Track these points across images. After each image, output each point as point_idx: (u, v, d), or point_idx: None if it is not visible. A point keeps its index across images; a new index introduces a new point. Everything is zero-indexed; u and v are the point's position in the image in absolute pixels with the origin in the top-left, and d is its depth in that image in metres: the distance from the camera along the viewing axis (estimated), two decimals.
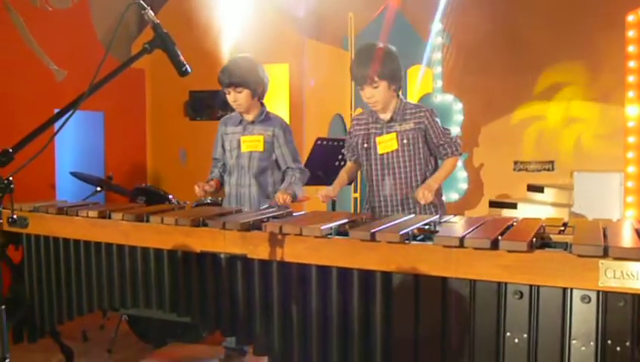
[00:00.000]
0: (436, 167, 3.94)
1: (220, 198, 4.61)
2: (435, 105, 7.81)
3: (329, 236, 2.63)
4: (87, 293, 3.38)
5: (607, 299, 2.16)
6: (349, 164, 4.13)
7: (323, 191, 3.89)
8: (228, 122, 4.39)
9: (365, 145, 3.90)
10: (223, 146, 4.40)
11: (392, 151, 3.80)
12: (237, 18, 7.38)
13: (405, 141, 3.78)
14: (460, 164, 7.80)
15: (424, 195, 3.63)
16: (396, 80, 3.80)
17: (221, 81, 4.18)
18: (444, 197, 4.02)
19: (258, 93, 4.23)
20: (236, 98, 4.17)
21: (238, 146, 4.27)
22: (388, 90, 3.75)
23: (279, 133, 4.25)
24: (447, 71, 8.29)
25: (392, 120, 3.82)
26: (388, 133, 3.82)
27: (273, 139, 4.25)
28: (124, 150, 7.70)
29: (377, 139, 3.84)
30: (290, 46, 7.51)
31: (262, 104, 4.32)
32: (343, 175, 4.10)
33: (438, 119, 3.85)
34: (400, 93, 3.89)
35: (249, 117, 4.28)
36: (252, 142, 4.24)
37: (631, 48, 7.42)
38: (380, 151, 3.83)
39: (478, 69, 8.76)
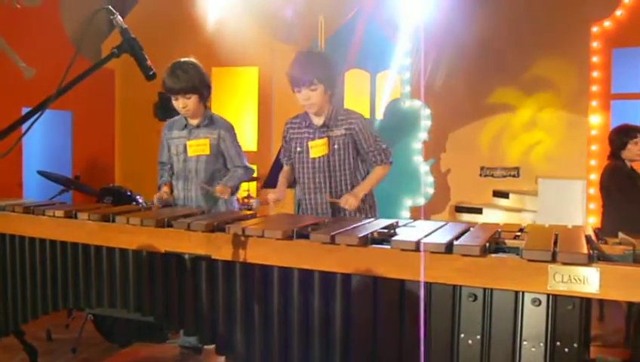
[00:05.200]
0: (367, 175, 4.01)
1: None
2: (403, 111, 7.90)
3: (290, 238, 2.69)
4: (52, 292, 3.40)
5: (556, 302, 2.24)
6: (285, 168, 4.18)
7: (272, 195, 3.94)
8: (173, 126, 4.41)
9: (298, 149, 3.98)
10: (169, 150, 4.42)
11: (323, 156, 3.88)
12: (207, 20, 7.42)
13: (336, 146, 3.86)
14: (426, 168, 7.88)
15: (347, 201, 3.72)
16: (332, 86, 3.87)
17: (169, 88, 4.13)
18: (376, 205, 4.08)
19: (205, 97, 4.26)
20: (185, 104, 4.16)
21: (185, 151, 4.29)
22: (324, 94, 3.83)
23: (225, 135, 4.28)
24: (415, 77, 8.37)
25: (324, 125, 3.90)
26: (320, 138, 3.89)
27: (219, 141, 4.28)
28: (92, 150, 7.70)
29: (310, 143, 3.91)
30: (259, 49, 7.55)
31: (206, 107, 4.34)
32: (282, 180, 4.15)
33: (368, 125, 3.93)
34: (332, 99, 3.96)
35: (194, 121, 4.29)
36: (198, 146, 4.26)
37: (595, 59, 7.59)
38: (312, 155, 3.91)
39: (446, 75, 8.86)
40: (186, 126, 4.32)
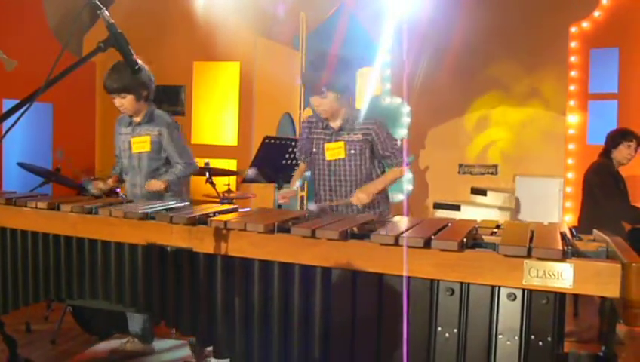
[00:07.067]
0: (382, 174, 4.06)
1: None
2: (382, 108, 7.96)
3: (272, 232, 2.72)
4: (33, 283, 3.40)
5: (531, 297, 2.29)
6: (301, 165, 4.23)
7: (281, 198, 3.99)
8: (121, 122, 4.51)
9: (314, 150, 4.01)
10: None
11: (339, 159, 3.91)
12: (190, 15, 7.42)
13: (353, 151, 3.89)
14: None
15: (359, 198, 3.75)
16: (347, 91, 3.90)
17: (105, 88, 4.26)
18: (390, 200, 4.13)
19: (143, 96, 4.31)
20: (121, 103, 4.27)
21: (129, 147, 4.39)
22: (336, 101, 3.84)
23: (164, 132, 4.35)
24: (396, 74, 8.42)
25: (341, 129, 3.93)
26: (337, 141, 3.92)
27: (160, 138, 4.34)
28: (72, 142, 7.69)
29: (325, 145, 3.95)
30: (241, 44, 7.56)
31: (150, 104, 4.41)
32: (295, 178, 4.24)
33: (385, 130, 3.95)
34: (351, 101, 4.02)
35: (137, 118, 4.38)
36: (140, 143, 4.35)
37: (573, 58, 7.69)
38: (327, 157, 3.94)
39: (426, 73, 8.93)
40: (130, 123, 4.42)
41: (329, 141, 3.95)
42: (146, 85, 4.30)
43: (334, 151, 3.92)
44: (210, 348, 4.11)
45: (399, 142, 4.02)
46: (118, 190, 4.56)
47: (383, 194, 4.05)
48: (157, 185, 4.15)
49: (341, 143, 3.91)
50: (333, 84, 3.78)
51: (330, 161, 3.94)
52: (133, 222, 3.05)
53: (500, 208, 8.63)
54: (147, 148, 4.32)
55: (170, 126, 4.37)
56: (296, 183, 4.16)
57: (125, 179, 4.48)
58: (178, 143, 4.37)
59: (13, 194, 3.73)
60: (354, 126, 3.91)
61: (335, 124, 3.95)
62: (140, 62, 2.38)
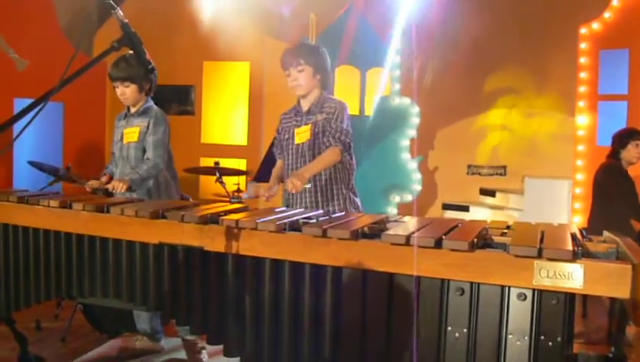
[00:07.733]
0: (351, 162, 4.07)
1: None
2: (391, 108, 7.94)
3: (283, 231, 2.73)
4: (45, 281, 3.43)
5: (541, 297, 2.29)
6: (278, 163, 4.24)
7: (263, 192, 3.99)
8: (120, 117, 4.57)
9: (286, 137, 4.08)
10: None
11: (306, 142, 3.94)
12: (200, 15, 7.44)
13: (316, 131, 3.92)
14: (414, 165, 7.92)
15: (293, 183, 3.65)
16: (321, 70, 3.99)
17: (110, 75, 4.35)
18: (358, 200, 4.11)
19: (145, 88, 4.40)
20: (123, 92, 4.35)
21: (122, 138, 4.43)
22: (312, 78, 3.95)
23: (150, 123, 4.37)
24: (405, 74, 8.41)
25: (309, 112, 3.98)
26: (306, 124, 3.97)
27: (147, 129, 4.38)
28: (83, 141, 7.72)
29: (295, 130, 4.00)
30: (251, 44, 7.58)
31: (148, 99, 4.47)
32: (273, 176, 4.21)
33: (345, 113, 3.95)
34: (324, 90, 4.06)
35: (133, 110, 4.45)
36: (130, 134, 4.39)
37: (583, 60, 7.67)
38: (296, 141, 3.99)
39: (435, 74, 8.91)
40: (126, 115, 4.48)
41: (299, 126, 4.00)
42: (149, 78, 4.37)
43: (303, 134, 3.97)
44: (202, 342, 4.20)
45: (349, 130, 3.94)
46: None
47: (342, 185, 4.01)
48: (119, 186, 4.10)
49: (309, 126, 3.95)
50: (310, 59, 3.93)
51: (298, 144, 3.98)
52: (145, 221, 3.06)
53: (509, 209, 8.62)
54: (135, 138, 4.35)
55: (158, 119, 4.39)
56: (275, 182, 4.15)
57: (115, 172, 4.49)
58: (158, 137, 4.35)
59: (26, 193, 3.75)
60: (322, 109, 3.96)
61: (305, 105, 4.02)
62: (152, 62, 2.40)
